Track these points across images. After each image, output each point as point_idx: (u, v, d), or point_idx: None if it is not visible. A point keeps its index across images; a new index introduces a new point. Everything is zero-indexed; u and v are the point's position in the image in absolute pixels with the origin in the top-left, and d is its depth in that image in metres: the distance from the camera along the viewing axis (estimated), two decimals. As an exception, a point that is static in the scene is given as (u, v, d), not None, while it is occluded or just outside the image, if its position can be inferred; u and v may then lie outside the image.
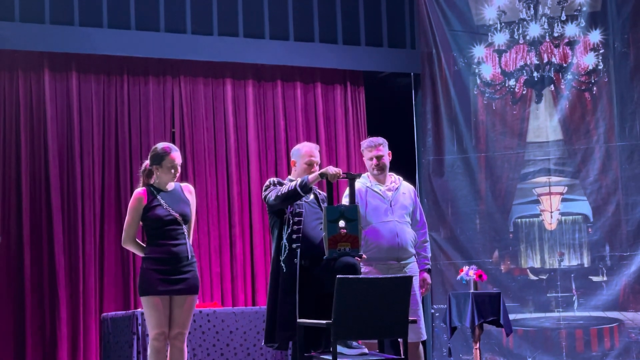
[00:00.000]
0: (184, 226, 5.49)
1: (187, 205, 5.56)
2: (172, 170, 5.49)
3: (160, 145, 5.57)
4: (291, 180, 5.59)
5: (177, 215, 5.45)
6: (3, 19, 7.82)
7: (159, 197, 5.48)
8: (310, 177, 5.37)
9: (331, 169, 5.34)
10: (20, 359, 7.71)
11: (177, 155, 5.52)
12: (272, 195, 5.45)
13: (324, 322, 4.86)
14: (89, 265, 7.98)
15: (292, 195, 5.37)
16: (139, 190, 5.52)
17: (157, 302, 5.38)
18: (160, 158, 5.49)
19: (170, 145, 5.60)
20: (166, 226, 5.43)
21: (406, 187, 6.15)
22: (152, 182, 5.56)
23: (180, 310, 5.46)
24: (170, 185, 5.56)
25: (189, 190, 5.64)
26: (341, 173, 5.34)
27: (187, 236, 5.50)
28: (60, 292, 7.82)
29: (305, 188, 5.34)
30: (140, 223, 5.52)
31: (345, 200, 5.83)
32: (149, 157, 5.56)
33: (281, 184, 5.55)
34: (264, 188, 5.60)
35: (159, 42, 8.30)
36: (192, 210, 5.60)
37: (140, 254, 5.54)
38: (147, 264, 5.43)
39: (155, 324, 5.39)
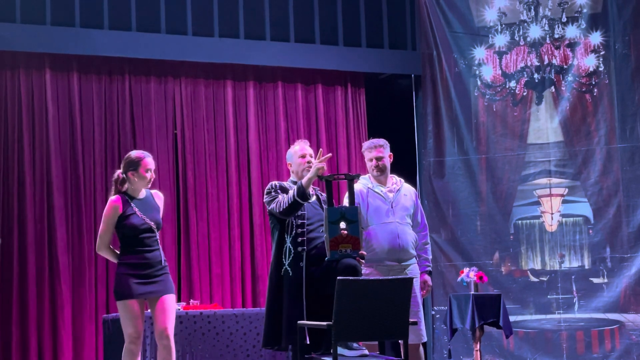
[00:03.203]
0: (156, 233, 5.62)
1: (159, 213, 5.71)
2: (148, 175, 5.61)
3: (134, 152, 5.71)
4: (294, 182, 5.60)
5: (152, 223, 5.59)
6: (4, 20, 7.83)
7: (132, 205, 5.60)
8: (304, 180, 5.38)
9: (314, 163, 5.37)
10: (20, 360, 7.74)
11: (150, 161, 5.66)
12: (275, 208, 5.46)
13: (324, 323, 4.86)
14: (91, 266, 7.98)
15: (294, 206, 5.39)
16: (114, 198, 5.63)
17: (132, 306, 5.50)
18: (136, 164, 5.62)
19: (144, 151, 5.74)
20: (141, 234, 5.56)
21: (407, 189, 6.15)
22: (125, 189, 5.66)
23: (160, 309, 5.54)
24: (142, 193, 5.69)
25: (158, 197, 5.80)
26: (323, 166, 5.34)
27: (158, 242, 5.64)
28: (62, 293, 7.83)
29: (304, 195, 5.34)
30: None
31: (346, 202, 5.83)
32: (122, 165, 5.67)
33: (283, 189, 5.54)
34: (265, 192, 5.60)
35: (160, 43, 8.31)
36: (160, 217, 5.75)
37: (114, 260, 5.68)
38: (122, 269, 5.56)
39: (130, 327, 5.50)
